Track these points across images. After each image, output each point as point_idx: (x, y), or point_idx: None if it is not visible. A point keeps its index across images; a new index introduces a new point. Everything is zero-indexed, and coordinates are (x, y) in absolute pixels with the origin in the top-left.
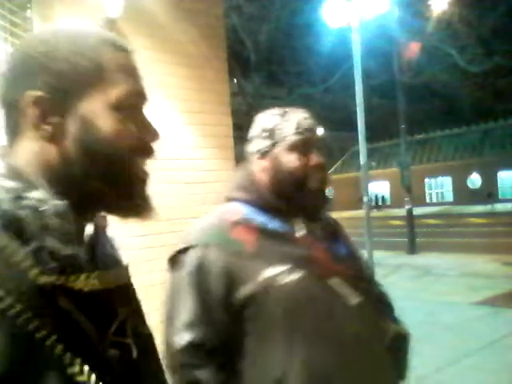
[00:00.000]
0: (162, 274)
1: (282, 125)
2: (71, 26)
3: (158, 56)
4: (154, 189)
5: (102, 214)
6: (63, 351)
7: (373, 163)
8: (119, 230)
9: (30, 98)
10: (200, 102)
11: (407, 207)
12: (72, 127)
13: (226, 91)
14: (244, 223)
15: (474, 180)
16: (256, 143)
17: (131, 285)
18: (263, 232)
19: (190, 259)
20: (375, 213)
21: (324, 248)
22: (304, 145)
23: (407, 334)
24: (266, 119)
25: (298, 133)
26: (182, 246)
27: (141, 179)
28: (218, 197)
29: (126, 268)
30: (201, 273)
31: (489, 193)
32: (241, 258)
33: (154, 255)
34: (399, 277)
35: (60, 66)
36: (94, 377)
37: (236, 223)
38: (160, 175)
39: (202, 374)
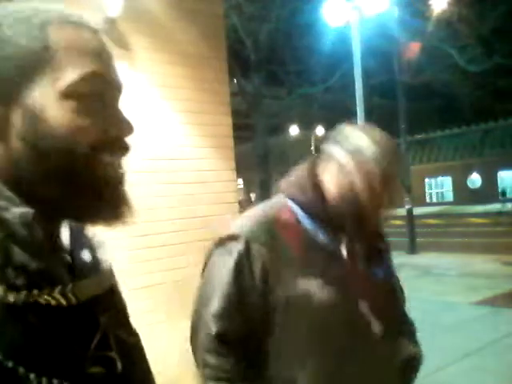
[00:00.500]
0: (161, 275)
1: (372, 150)
2: (22, 3)
3: (157, 56)
4: (154, 189)
5: (68, 221)
6: (38, 379)
7: None
8: (118, 230)
9: None
10: (200, 102)
11: (407, 207)
12: (17, 121)
13: (226, 91)
14: (294, 226)
15: (474, 180)
16: (340, 153)
17: (114, 287)
18: (310, 240)
19: (236, 247)
20: None
21: (363, 270)
22: (385, 176)
23: (421, 357)
24: (359, 135)
25: (379, 168)
26: (231, 232)
27: (111, 180)
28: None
29: (108, 270)
30: (244, 262)
31: (502, 191)
32: (283, 260)
33: (153, 255)
34: (399, 277)
35: (2, 49)
36: None
37: (286, 223)
38: (159, 175)
39: (224, 362)
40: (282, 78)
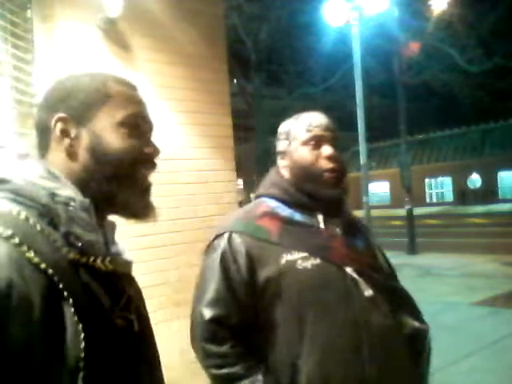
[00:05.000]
0: (162, 275)
1: (295, 125)
2: (88, 70)
3: (157, 56)
4: (154, 189)
5: (112, 214)
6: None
7: (373, 163)
8: (120, 231)
9: (56, 118)
10: (200, 102)
11: (407, 207)
12: (86, 141)
13: (226, 91)
14: (270, 214)
15: (474, 180)
16: (278, 146)
17: (134, 277)
18: (286, 222)
19: (220, 244)
20: (374, 212)
21: (342, 240)
22: (314, 140)
23: (425, 331)
24: (284, 124)
25: (308, 130)
26: (215, 234)
27: (144, 187)
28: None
29: (131, 262)
30: (228, 256)
31: None
32: (264, 243)
33: (153, 255)
34: (399, 277)
35: (78, 96)
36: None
37: (263, 214)
38: (160, 176)
39: (221, 348)
40: (282, 77)
